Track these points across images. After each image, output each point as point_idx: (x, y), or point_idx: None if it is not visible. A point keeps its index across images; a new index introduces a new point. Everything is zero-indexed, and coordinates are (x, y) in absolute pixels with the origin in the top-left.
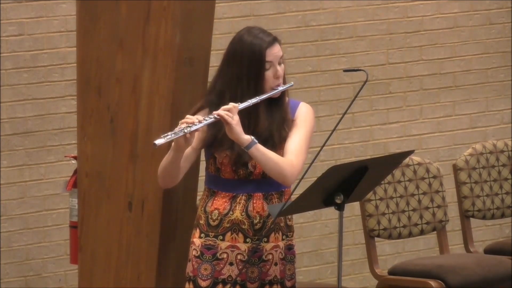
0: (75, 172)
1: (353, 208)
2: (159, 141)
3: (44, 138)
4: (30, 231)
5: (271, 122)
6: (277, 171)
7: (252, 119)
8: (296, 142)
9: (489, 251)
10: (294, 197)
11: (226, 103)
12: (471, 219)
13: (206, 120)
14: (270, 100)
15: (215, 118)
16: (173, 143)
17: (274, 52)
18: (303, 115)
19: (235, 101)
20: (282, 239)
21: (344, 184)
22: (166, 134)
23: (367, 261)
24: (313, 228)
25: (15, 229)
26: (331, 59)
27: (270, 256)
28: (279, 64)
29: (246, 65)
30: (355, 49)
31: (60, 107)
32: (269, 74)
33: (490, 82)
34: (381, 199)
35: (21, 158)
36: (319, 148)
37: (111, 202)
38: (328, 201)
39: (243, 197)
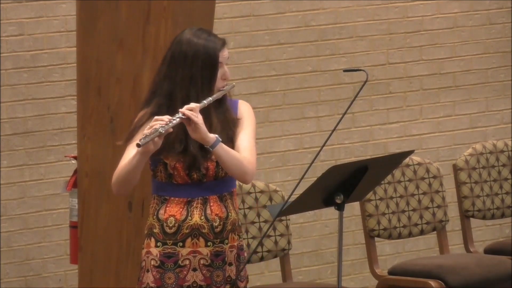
0: (75, 172)
1: (353, 208)
2: (142, 141)
3: (44, 138)
4: (30, 231)
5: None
6: (240, 169)
7: (206, 121)
8: (247, 140)
9: (489, 251)
10: (294, 197)
11: (178, 105)
12: (471, 219)
13: (174, 120)
14: (215, 101)
15: (181, 117)
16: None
17: (225, 54)
18: (246, 113)
19: (188, 101)
20: (237, 239)
21: (344, 184)
22: (144, 135)
23: (367, 261)
24: (313, 228)
25: (15, 229)
26: (331, 59)
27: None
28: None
29: (200, 66)
30: (355, 49)
31: (60, 107)
32: (218, 75)
33: (490, 82)
34: (381, 199)
35: (21, 158)
36: (319, 148)
37: (111, 202)
38: (328, 201)
39: (199, 201)
